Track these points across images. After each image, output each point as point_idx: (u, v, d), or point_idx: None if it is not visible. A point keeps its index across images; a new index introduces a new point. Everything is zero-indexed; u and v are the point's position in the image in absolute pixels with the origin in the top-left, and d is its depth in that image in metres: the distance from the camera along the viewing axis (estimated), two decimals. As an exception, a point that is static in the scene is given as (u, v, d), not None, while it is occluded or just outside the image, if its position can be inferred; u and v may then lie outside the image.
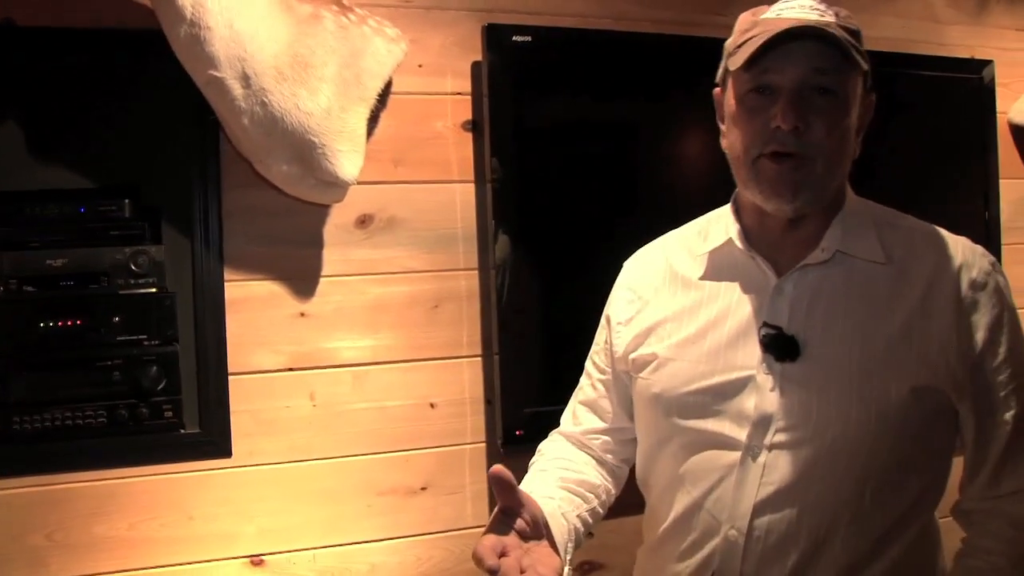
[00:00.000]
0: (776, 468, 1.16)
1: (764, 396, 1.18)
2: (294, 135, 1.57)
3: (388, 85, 1.77)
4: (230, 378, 1.73)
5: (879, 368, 1.15)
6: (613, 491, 1.42)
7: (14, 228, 1.58)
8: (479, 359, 1.90)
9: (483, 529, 1.14)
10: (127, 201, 1.62)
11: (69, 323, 1.59)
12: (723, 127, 1.25)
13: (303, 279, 1.79)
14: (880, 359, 1.16)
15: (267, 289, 1.77)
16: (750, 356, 1.20)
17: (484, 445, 1.90)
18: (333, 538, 1.81)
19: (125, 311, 1.62)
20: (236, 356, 1.74)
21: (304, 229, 1.79)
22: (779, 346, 1.18)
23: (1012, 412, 1.17)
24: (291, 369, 1.78)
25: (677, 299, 1.30)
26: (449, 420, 1.88)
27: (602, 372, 1.41)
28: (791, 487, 1.16)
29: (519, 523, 1.13)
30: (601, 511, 1.39)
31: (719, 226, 1.30)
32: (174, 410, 1.66)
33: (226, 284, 1.73)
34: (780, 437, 1.17)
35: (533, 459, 1.43)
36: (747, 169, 1.18)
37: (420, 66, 1.84)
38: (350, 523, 1.82)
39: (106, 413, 1.61)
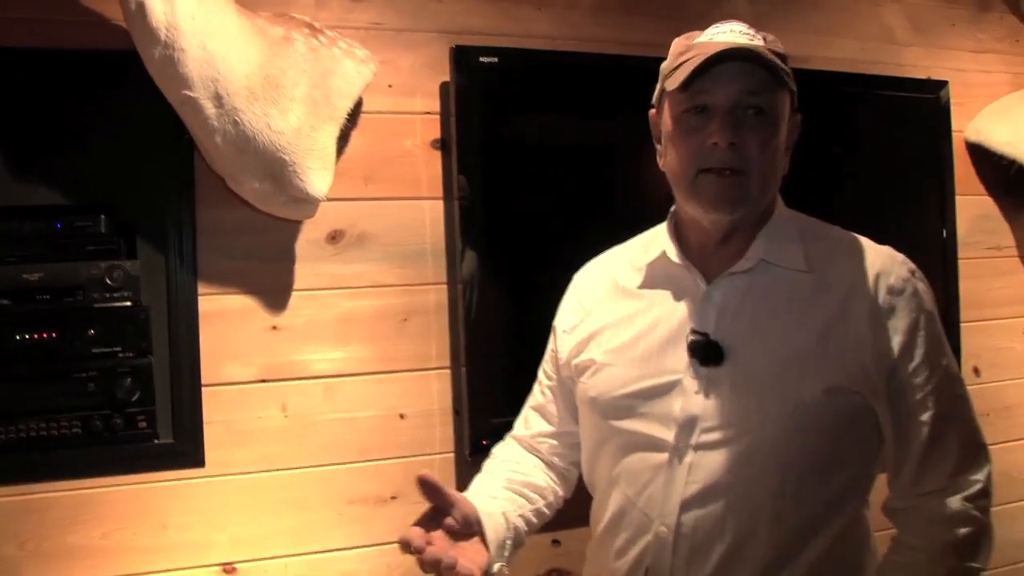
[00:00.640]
0: (701, 467, 1.22)
1: (690, 399, 1.24)
2: (266, 153, 1.62)
3: (359, 105, 1.82)
4: (203, 389, 1.76)
5: (796, 370, 1.21)
6: (561, 493, 1.47)
7: (-9, 243, 1.60)
8: (447, 371, 1.94)
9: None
10: (103, 217, 1.65)
11: (45, 335, 1.62)
12: (659, 147, 1.32)
13: (275, 293, 1.83)
14: (798, 361, 1.21)
15: (240, 303, 1.80)
16: (678, 361, 1.26)
17: (452, 455, 1.94)
18: (304, 546, 1.84)
19: (100, 324, 1.64)
20: (209, 368, 1.77)
21: (276, 244, 1.83)
22: (704, 351, 1.24)
23: (930, 413, 1.22)
24: (263, 381, 1.82)
25: (617, 308, 1.36)
26: (418, 430, 1.92)
27: (549, 379, 1.48)
28: (716, 484, 1.21)
29: (448, 520, 1.22)
30: (547, 512, 1.44)
31: (658, 240, 1.36)
32: (148, 421, 1.68)
33: (200, 298, 1.76)
34: (705, 437, 1.22)
35: (486, 461, 1.50)
36: (687, 185, 1.24)
37: (390, 86, 1.90)
38: (321, 532, 1.85)
39: (81, 424, 1.64)
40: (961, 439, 1.25)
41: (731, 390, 1.22)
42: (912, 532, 1.27)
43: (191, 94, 1.54)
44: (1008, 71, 2.52)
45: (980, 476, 1.25)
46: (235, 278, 1.80)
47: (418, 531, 1.17)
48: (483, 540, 1.24)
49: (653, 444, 1.26)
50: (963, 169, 2.43)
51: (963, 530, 1.23)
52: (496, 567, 1.25)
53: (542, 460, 1.47)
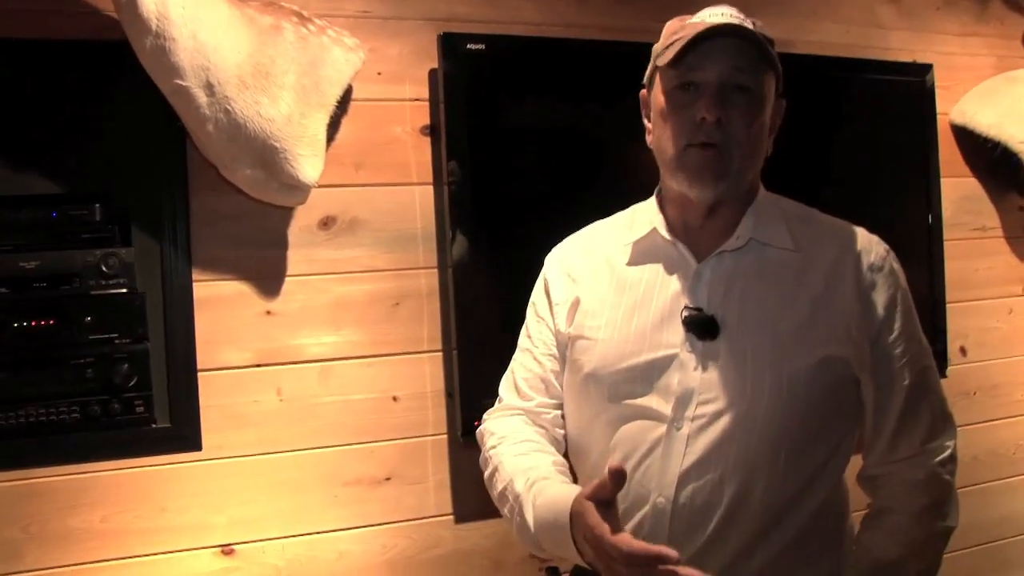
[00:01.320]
0: (698, 439, 1.25)
1: (687, 373, 1.27)
2: (257, 140, 1.64)
3: (348, 92, 1.84)
4: (199, 374, 1.79)
5: (790, 342, 1.26)
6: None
7: (-13, 232, 1.62)
8: (439, 354, 1.97)
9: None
10: (97, 205, 1.67)
11: (42, 323, 1.64)
12: (649, 124, 1.36)
13: (269, 279, 1.85)
14: (791, 334, 1.26)
15: (234, 288, 1.83)
16: (674, 335, 1.30)
17: (445, 436, 1.97)
18: (301, 527, 1.87)
19: (97, 311, 1.66)
20: (205, 353, 1.79)
21: (269, 231, 1.85)
22: (700, 325, 1.27)
23: (906, 382, 1.29)
24: (258, 365, 1.84)
25: (607, 283, 1.39)
26: (411, 413, 1.95)
27: (548, 347, 1.44)
28: (712, 455, 1.25)
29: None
30: None
31: (644, 217, 1.40)
32: (145, 405, 1.70)
33: (194, 284, 1.79)
34: (701, 410, 1.26)
35: (490, 442, 1.44)
36: (674, 159, 1.28)
37: (379, 74, 1.92)
38: (317, 513, 1.88)
39: (79, 409, 1.66)
40: (932, 408, 1.32)
41: (726, 363, 1.26)
42: (889, 496, 1.32)
43: (183, 83, 1.57)
44: (993, 54, 2.55)
45: (949, 442, 1.32)
46: (229, 264, 1.82)
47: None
48: None
49: (650, 418, 1.28)
50: (948, 151, 2.45)
51: (936, 493, 1.29)
52: None
53: (548, 434, 1.43)
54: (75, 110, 1.70)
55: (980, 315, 2.51)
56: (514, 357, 1.51)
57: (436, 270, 1.96)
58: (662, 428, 1.27)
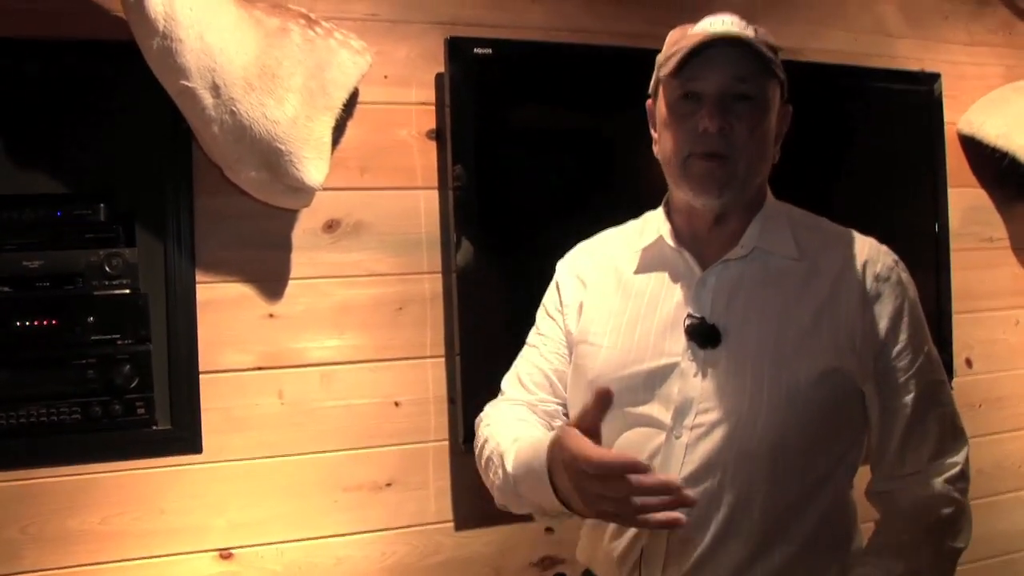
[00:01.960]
0: (696, 448, 1.24)
1: (687, 381, 1.27)
2: (262, 142, 1.64)
3: (354, 95, 1.84)
4: (201, 376, 1.78)
5: (791, 353, 1.25)
6: None
7: (-8, 231, 1.62)
8: (442, 359, 1.96)
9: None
10: (102, 205, 1.67)
11: (45, 323, 1.64)
12: (655, 134, 1.36)
13: (272, 281, 1.85)
14: (792, 345, 1.25)
15: (237, 291, 1.82)
16: (677, 344, 1.29)
17: (447, 443, 1.96)
18: (300, 532, 1.86)
19: (99, 311, 1.66)
20: (207, 355, 1.79)
21: (273, 233, 1.85)
22: (702, 334, 1.27)
23: (912, 395, 1.27)
24: (260, 368, 1.84)
25: (614, 290, 1.39)
26: (413, 418, 1.94)
27: (557, 345, 1.44)
28: (711, 464, 1.24)
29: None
30: None
31: (653, 225, 1.39)
32: (146, 407, 1.70)
33: (198, 286, 1.78)
34: (700, 419, 1.25)
35: (485, 421, 1.42)
36: (678, 169, 1.28)
37: (385, 77, 1.92)
38: (317, 518, 1.87)
39: (80, 410, 1.65)
40: (941, 422, 1.29)
41: (727, 372, 1.25)
42: (896, 514, 1.30)
43: (189, 84, 1.57)
44: (1001, 64, 2.54)
45: (959, 459, 1.29)
46: (232, 266, 1.82)
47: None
48: None
49: (651, 426, 1.28)
50: (956, 161, 2.44)
51: (945, 511, 1.26)
52: None
53: (547, 425, 1.41)
54: (81, 110, 1.71)
55: (986, 326, 2.50)
56: (520, 354, 1.50)
57: (440, 275, 1.96)
58: (661, 437, 1.27)
